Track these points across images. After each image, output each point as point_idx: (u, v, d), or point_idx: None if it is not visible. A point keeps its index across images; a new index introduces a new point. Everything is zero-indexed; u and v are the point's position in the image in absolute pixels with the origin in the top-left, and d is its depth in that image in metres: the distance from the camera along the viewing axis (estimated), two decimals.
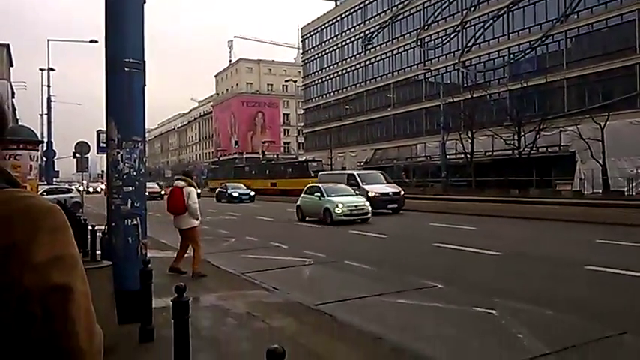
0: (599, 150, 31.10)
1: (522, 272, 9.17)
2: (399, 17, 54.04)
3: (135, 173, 5.81)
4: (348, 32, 62.49)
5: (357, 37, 60.79)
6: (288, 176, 43.02)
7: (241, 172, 56.43)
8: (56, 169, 38.26)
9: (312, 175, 43.81)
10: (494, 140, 38.22)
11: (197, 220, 8.93)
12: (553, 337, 5.31)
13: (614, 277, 8.33)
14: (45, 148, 32.02)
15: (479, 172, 39.81)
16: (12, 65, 50.73)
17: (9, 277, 0.92)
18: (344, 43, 63.29)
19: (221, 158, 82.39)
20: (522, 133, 35.14)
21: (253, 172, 52.79)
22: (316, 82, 69.53)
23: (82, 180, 28.02)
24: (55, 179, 36.31)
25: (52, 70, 36.58)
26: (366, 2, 58.91)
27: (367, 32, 58.67)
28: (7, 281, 0.92)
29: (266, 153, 64.24)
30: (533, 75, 38.07)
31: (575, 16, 37.09)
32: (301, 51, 76.87)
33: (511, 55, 41.86)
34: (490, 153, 40.51)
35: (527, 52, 40.60)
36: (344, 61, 63.18)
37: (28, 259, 0.93)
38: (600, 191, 31.66)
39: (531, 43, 39.95)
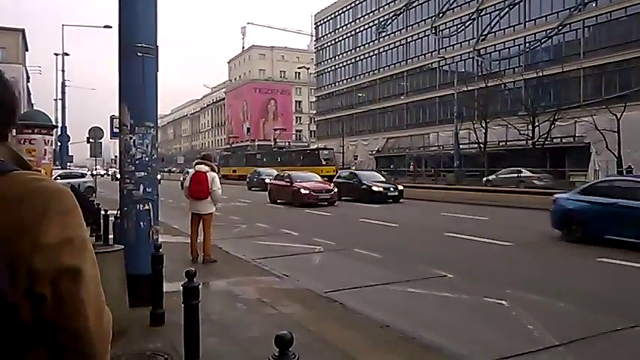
0: (614, 141, 30.67)
1: (534, 263, 9.12)
2: (414, 4, 53.45)
3: (147, 158, 5.84)
4: (361, 19, 61.98)
5: (370, 24, 60.28)
6: (300, 164, 42.79)
7: (253, 159, 56.56)
8: (70, 154, 38.65)
9: (324, 162, 43.97)
10: (508, 130, 37.86)
11: (216, 205, 8.95)
12: (563, 329, 5.28)
13: (627, 269, 8.25)
14: (59, 133, 32.37)
15: (492, 162, 39.52)
16: (27, 50, 51.09)
17: (19, 257, 0.92)
18: (357, 31, 62.81)
19: (233, 145, 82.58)
20: (537, 123, 34.76)
21: (265, 160, 52.87)
22: (329, 69, 69.19)
23: (96, 165, 28.20)
24: (69, 163, 36.71)
25: (67, 55, 36.91)
26: None
27: (381, 19, 58.14)
28: (17, 262, 0.92)
29: (278, 140, 64.21)
30: (549, 64, 37.55)
31: (594, 5, 36.43)
32: (314, 38, 76.44)
33: (527, 44, 41.27)
34: (504, 143, 40.15)
35: (543, 41, 40.01)
36: (357, 49, 62.76)
37: (38, 241, 0.94)
38: None
39: (548, 31, 39.34)
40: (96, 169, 29.50)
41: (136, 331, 4.81)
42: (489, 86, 39.37)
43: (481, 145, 39.16)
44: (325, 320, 5.49)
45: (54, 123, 15.35)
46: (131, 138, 5.77)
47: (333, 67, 68.21)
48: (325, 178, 40.49)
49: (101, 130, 21.99)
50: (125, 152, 5.83)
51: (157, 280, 5.12)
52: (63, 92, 37.39)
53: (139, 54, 5.73)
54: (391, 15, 56.63)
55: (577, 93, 36.59)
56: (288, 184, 22.71)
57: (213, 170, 8.87)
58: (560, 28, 38.50)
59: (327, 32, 69.53)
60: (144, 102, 5.85)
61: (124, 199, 5.87)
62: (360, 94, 60.27)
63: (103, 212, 10.24)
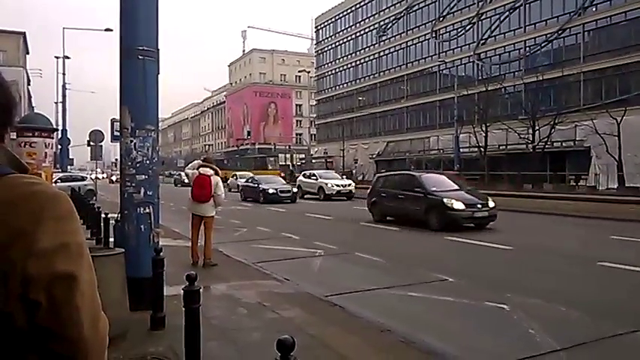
0: (614, 145, 30.66)
1: (534, 267, 9.10)
2: (414, 8, 53.50)
3: (148, 162, 5.84)
4: (362, 23, 62.02)
5: (371, 28, 60.31)
6: (253, 167, 47.74)
7: (221, 164, 58.05)
8: (71, 157, 38.65)
9: (270, 167, 49.50)
10: (509, 134, 37.84)
11: (217, 209, 8.99)
12: (564, 333, 5.26)
13: (628, 274, 8.23)
14: (60, 136, 32.38)
15: (492, 166, 39.51)
16: (28, 53, 51.15)
17: (13, 263, 0.90)
18: (358, 34, 62.85)
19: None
20: (537, 127, 34.75)
21: (229, 165, 54.81)
22: (329, 73, 69.22)
23: (96, 167, 28.19)
24: (69, 166, 36.71)
25: (67, 58, 36.95)
26: None
27: (382, 23, 58.16)
28: (10, 268, 0.90)
29: (277, 145, 64.81)
30: (550, 68, 37.55)
31: (594, 9, 36.46)
32: (315, 41, 76.52)
33: (527, 48, 41.26)
34: (504, 147, 40.11)
35: (543, 45, 40.00)
36: (358, 52, 62.77)
37: (33, 246, 0.92)
38: (615, 187, 31.27)
39: (548, 35, 39.36)
40: (97, 172, 29.38)
41: (137, 335, 4.80)
42: (489, 90, 39.35)
43: (481, 149, 39.15)
44: (326, 324, 5.48)
45: (54, 126, 15.39)
46: (132, 141, 5.77)
47: (333, 71, 68.22)
48: None
49: (102, 133, 22.00)
50: (126, 155, 5.83)
51: (157, 284, 5.11)
52: (64, 95, 37.45)
53: (139, 57, 5.73)
54: (391, 19, 56.67)
55: (577, 97, 36.58)
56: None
57: (217, 174, 8.90)
58: (560, 32, 38.51)
59: (328, 36, 69.57)
60: (145, 105, 5.85)
61: (124, 202, 5.86)
62: (360, 98, 60.26)
63: (103, 215, 10.22)
